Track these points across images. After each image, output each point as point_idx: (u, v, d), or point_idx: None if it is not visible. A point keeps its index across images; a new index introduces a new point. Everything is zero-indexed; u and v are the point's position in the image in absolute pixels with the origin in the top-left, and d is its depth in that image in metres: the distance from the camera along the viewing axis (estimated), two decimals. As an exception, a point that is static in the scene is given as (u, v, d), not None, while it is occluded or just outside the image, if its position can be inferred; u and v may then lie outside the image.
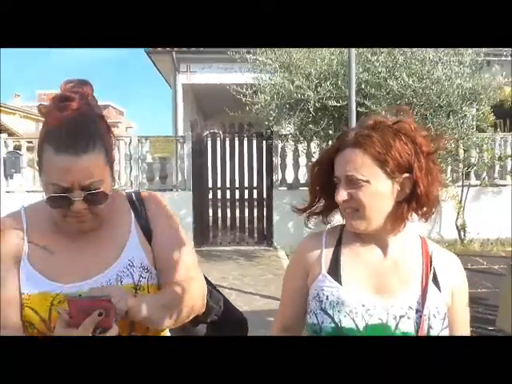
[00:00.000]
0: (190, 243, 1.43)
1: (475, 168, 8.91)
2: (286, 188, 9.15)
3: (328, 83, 6.39)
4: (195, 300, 1.34)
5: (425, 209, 1.26)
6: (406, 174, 1.22)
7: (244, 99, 7.20)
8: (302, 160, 9.05)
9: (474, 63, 6.86)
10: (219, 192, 9.18)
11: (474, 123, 7.14)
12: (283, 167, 9.20)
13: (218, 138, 9.12)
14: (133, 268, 1.28)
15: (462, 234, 9.01)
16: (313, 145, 8.56)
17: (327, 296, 1.25)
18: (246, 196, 9.18)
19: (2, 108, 23.22)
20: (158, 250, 1.34)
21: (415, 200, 1.23)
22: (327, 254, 1.32)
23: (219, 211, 9.19)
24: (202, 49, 12.31)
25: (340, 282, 1.26)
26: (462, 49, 6.87)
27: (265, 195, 9.13)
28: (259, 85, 7.17)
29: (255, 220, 9.18)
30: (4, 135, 9.91)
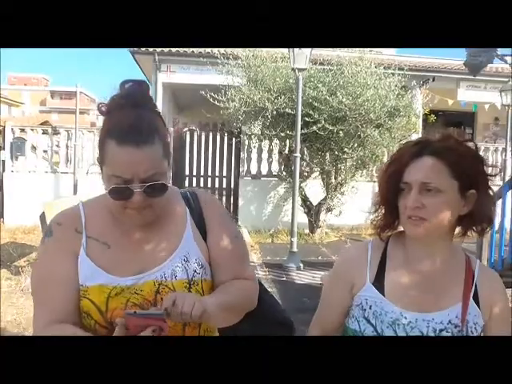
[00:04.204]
0: (244, 242, 1.46)
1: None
2: (250, 178, 10.98)
3: (283, 97, 8.29)
4: (250, 298, 1.39)
5: (482, 225, 1.29)
6: (473, 191, 1.23)
7: (218, 104, 9.04)
8: (264, 155, 10.91)
9: (399, 87, 8.86)
10: (194, 179, 10.93)
11: (399, 133, 9.12)
12: (248, 161, 10.98)
13: (195, 134, 10.89)
14: (187, 263, 1.30)
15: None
16: (273, 144, 10.43)
17: (370, 306, 1.27)
18: (217, 183, 10.98)
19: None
20: (213, 248, 1.35)
21: (476, 216, 1.26)
22: (373, 264, 1.32)
23: (194, 195, 10.94)
24: (182, 51, 13.67)
25: (383, 294, 1.27)
26: (390, 74, 8.88)
27: (232, 183, 10.94)
28: (230, 93, 9.00)
29: (224, 203, 10.95)
30: (11, 122, 11.45)
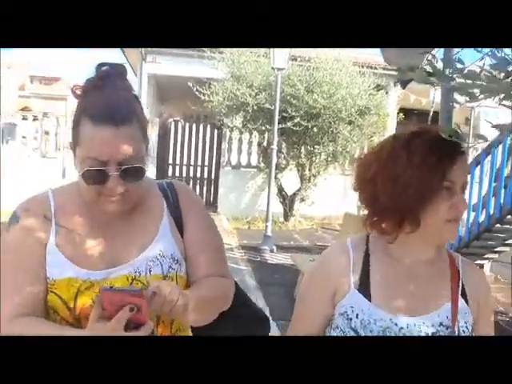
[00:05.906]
0: (221, 237, 1.39)
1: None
2: (230, 168, 11.59)
3: (264, 93, 8.93)
4: (227, 296, 1.32)
5: None
6: None
7: (202, 97, 9.64)
8: (244, 147, 11.53)
9: (372, 86, 9.55)
10: (177, 167, 11.51)
11: (369, 130, 9.83)
12: (229, 151, 11.59)
13: (180, 125, 11.47)
14: (163, 258, 1.23)
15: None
16: (253, 136, 11.06)
17: (357, 314, 1.17)
18: (199, 172, 11.58)
19: None
20: (190, 244, 1.29)
21: None
22: (356, 268, 1.21)
23: (176, 182, 11.54)
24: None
25: (370, 300, 1.17)
26: (364, 73, 9.56)
27: (213, 172, 11.54)
28: (214, 87, 9.62)
29: (204, 191, 11.62)
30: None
